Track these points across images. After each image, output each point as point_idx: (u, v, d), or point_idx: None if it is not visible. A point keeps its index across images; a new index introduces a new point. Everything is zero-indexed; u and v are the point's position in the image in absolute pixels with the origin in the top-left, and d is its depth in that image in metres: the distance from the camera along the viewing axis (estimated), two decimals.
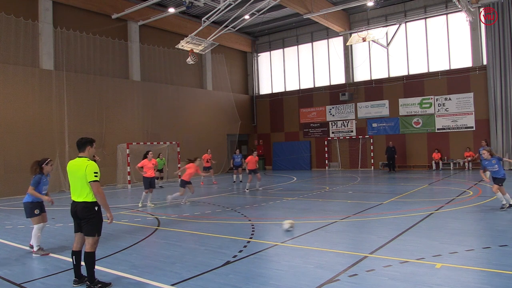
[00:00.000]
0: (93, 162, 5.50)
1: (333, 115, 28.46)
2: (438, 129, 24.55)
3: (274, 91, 31.75)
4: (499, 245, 6.88)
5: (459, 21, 23.55)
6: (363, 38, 23.45)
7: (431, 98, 24.73)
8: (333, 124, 28.50)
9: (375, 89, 26.73)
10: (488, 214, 9.92)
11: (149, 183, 13.16)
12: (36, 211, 7.52)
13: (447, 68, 24.50)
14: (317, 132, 29.19)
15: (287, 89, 30.98)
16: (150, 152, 13.53)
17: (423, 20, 25.35)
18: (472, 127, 23.50)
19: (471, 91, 23.56)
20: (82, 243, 5.57)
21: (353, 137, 27.65)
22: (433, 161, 24.15)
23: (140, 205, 13.09)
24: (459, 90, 23.85)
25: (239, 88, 31.86)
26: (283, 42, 31.07)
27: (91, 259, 5.42)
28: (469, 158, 22.67)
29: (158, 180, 19.15)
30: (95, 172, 5.36)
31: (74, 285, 5.59)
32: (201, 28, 20.28)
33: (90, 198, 5.43)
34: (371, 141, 26.82)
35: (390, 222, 9.25)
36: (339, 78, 28.54)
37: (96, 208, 5.50)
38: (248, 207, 12.26)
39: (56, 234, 9.17)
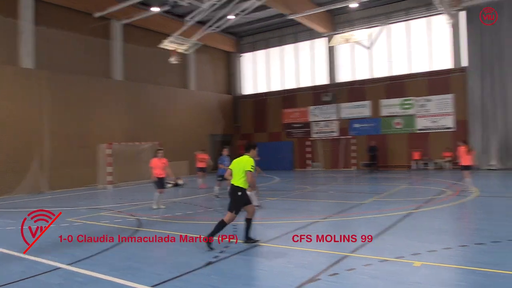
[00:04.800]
0: (252, 159, 7.55)
1: (316, 116, 28.64)
2: (418, 129, 24.92)
3: (257, 92, 31.78)
4: (475, 243, 7.03)
5: (440, 23, 23.94)
6: (346, 39, 23.70)
7: (412, 99, 25.10)
8: (316, 124, 28.69)
9: (357, 90, 26.98)
10: (466, 213, 10.12)
11: (160, 183, 12.49)
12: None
13: (428, 69, 24.88)
14: (300, 132, 29.33)
15: (271, 90, 31.05)
16: (160, 151, 12.79)
17: (405, 22, 25.69)
18: (451, 128, 23.92)
19: (451, 93, 23.98)
20: (247, 214, 7.48)
21: (335, 137, 27.87)
22: (413, 161, 24.52)
23: (154, 206, 12.44)
24: (439, 92, 24.25)
25: (223, 88, 31.81)
26: (267, 42, 31.13)
27: (221, 225, 7.28)
28: (449, 158, 23.07)
29: None
30: (252, 165, 7.41)
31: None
32: (184, 27, 20.23)
33: (240, 183, 7.38)
34: (353, 142, 27.08)
35: (370, 222, 9.35)
36: (322, 79, 28.74)
37: (240, 193, 7.37)
38: None
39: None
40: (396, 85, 25.58)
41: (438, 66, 24.58)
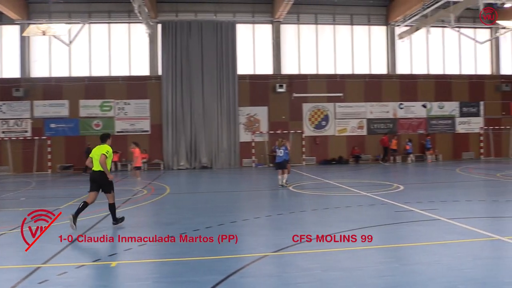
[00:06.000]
0: (109, 146, 8.70)
1: (4, 113, 25.12)
2: (117, 131, 25.49)
3: None
4: (164, 236, 7.77)
5: (140, 32, 25.19)
6: (43, 31, 21.72)
7: (112, 102, 25.50)
8: (4, 123, 25.16)
9: (54, 87, 25.24)
10: (159, 210, 11.13)
11: None
12: None
13: (127, 74, 25.83)
14: None
15: None
16: None
17: (107, 25, 25.88)
18: (148, 131, 25.64)
19: (148, 98, 25.69)
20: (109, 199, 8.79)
21: (28, 137, 25.20)
22: (112, 162, 24.90)
23: None
24: (138, 96, 25.59)
25: None
26: None
27: (113, 208, 8.81)
28: (145, 159, 24.54)
29: None
30: (107, 151, 8.59)
31: None
32: None
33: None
34: (49, 143, 25.18)
35: (66, 227, 8.97)
36: (12, 72, 25.50)
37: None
38: None
39: None
40: (96, 86, 25.40)
41: (137, 72, 25.93)
